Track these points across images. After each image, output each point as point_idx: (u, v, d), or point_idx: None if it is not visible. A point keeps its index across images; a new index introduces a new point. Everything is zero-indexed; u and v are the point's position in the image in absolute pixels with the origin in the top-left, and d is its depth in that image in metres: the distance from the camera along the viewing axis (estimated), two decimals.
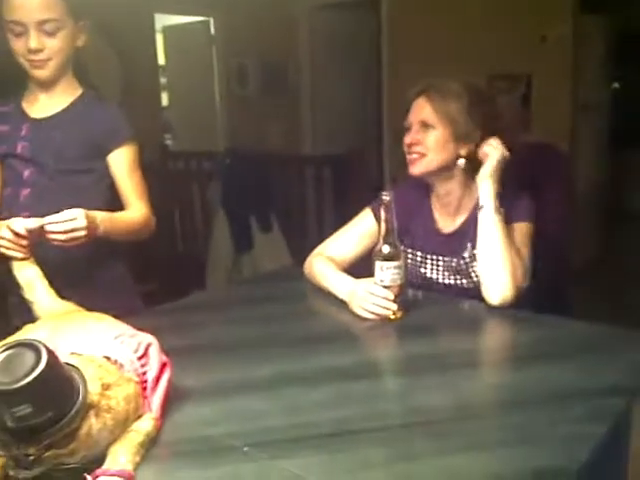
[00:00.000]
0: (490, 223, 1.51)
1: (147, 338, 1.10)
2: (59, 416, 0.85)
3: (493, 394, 1.18)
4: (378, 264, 1.44)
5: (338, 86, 5.41)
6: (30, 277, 1.34)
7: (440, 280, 1.66)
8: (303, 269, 1.74)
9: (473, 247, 1.58)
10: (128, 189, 1.65)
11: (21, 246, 1.34)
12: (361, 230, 1.71)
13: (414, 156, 1.61)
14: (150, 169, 1.72)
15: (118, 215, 1.58)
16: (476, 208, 1.57)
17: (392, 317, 1.45)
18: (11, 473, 0.86)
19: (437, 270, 1.66)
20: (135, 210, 1.64)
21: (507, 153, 1.54)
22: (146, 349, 1.07)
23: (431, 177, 1.64)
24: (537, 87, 4.11)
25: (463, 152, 1.59)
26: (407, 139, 1.62)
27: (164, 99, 5.74)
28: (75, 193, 1.58)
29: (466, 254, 1.61)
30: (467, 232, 1.60)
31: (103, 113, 1.67)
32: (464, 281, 1.63)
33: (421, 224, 1.69)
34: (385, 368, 1.37)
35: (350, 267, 1.69)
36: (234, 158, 3.83)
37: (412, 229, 1.68)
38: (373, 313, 1.46)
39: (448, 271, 1.65)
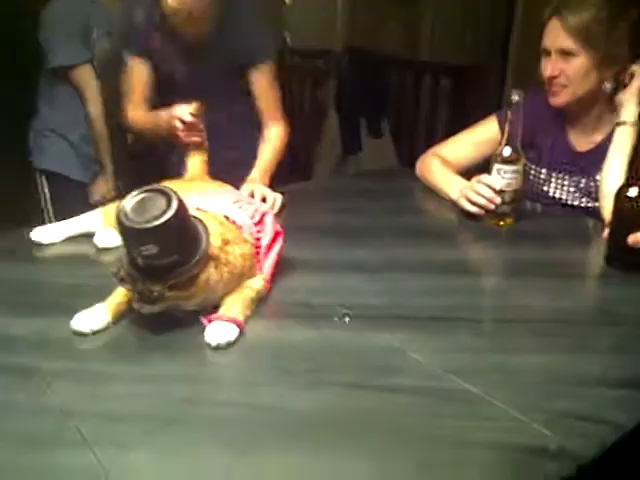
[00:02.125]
0: (626, 138, 1.41)
1: (263, 207, 1.16)
2: (183, 260, 0.92)
3: (596, 304, 1.17)
4: (496, 166, 1.40)
5: None
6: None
7: (564, 200, 1.58)
8: (415, 167, 1.73)
9: None
10: (266, 107, 1.71)
11: (195, 131, 1.42)
12: (482, 136, 1.64)
13: (555, 88, 1.49)
14: None
15: (269, 164, 1.67)
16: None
17: (502, 223, 1.43)
18: (136, 307, 0.95)
19: (561, 189, 1.58)
20: (274, 135, 1.71)
21: None
22: (262, 217, 1.13)
23: (574, 104, 1.52)
24: None
25: (609, 75, 1.45)
26: (546, 70, 1.48)
27: None
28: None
29: (598, 176, 1.50)
30: (604, 152, 1.48)
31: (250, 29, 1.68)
32: (589, 204, 1.54)
33: (550, 139, 1.59)
34: (490, 268, 1.37)
35: (464, 173, 1.65)
36: (352, 58, 3.77)
37: (538, 143, 1.60)
38: (476, 204, 1.43)
39: (575, 191, 1.57)
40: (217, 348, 0.92)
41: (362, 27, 5.04)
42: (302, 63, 4.19)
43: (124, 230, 0.90)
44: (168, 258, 0.90)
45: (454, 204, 1.51)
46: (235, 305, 0.98)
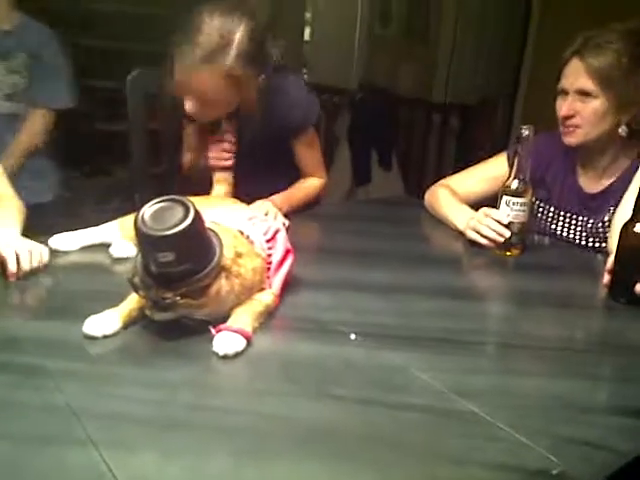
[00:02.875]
0: None
1: (276, 225, 1.18)
2: (196, 270, 0.94)
3: (602, 334, 1.17)
4: (504, 198, 1.42)
5: (480, 38, 5.22)
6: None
7: (570, 239, 1.59)
8: (422, 198, 1.75)
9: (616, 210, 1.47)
10: (305, 165, 1.73)
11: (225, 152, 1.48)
12: (491, 172, 1.65)
13: (569, 128, 1.49)
14: None
15: (295, 194, 1.68)
16: (628, 170, 1.47)
17: (508, 253, 1.45)
18: (148, 313, 0.96)
19: (569, 229, 1.59)
20: (312, 182, 1.74)
21: None
22: (274, 234, 1.15)
23: (587, 145, 1.52)
24: None
25: (625, 119, 1.45)
26: (562, 110, 1.48)
27: (306, 34, 5.77)
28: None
29: (607, 217, 1.51)
30: (614, 194, 1.49)
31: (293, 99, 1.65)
32: (597, 245, 1.55)
33: (560, 179, 1.60)
34: (496, 295, 1.38)
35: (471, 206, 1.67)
36: (366, 94, 3.84)
37: (548, 182, 1.61)
38: (485, 237, 1.44)
39: (582, 232, 1.58)
40: (224, 357, 0.93)
41: (378, 66, 5.13)
42: (318, 98, 4.27)
43: (142, 237, 0.92)
44: (182, 266, 0.92)
45: (461, 234, 1.53)
46: (244, 317, 0.99)
